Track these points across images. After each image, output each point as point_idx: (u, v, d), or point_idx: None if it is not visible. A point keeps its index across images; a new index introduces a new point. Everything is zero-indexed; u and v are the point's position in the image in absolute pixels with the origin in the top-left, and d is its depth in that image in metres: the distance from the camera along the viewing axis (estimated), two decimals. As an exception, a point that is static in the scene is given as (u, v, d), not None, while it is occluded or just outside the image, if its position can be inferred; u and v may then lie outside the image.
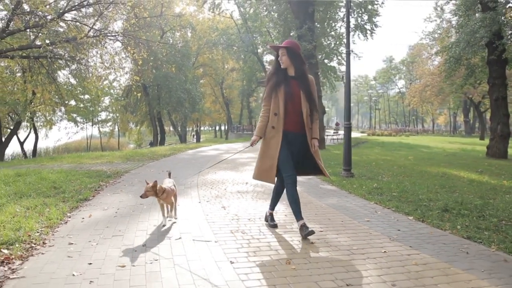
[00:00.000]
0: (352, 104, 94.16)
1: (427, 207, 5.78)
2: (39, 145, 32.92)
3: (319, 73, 28.26)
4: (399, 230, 4.63)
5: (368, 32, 25.37)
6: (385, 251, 3.82)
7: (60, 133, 35.34)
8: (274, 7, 23.02)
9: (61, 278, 3.07)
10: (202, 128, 72.65)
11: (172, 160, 13.06)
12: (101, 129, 41.97)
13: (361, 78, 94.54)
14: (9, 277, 3.07)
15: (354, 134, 49.88)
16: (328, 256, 3.66)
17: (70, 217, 5.02)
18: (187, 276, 3.14)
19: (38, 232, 4.21)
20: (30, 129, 31.49)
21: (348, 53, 9.16)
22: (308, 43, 18.82)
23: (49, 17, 16.66)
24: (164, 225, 4.59)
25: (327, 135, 30.00)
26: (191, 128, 62.16)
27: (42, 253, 3.64)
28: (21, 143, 30.95)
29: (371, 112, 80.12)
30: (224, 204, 5.94)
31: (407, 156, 17.46)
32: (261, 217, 5.10)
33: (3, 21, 18.73)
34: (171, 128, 51.84)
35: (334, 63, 29.91)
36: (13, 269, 3.25)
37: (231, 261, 3.48)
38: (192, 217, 5.07)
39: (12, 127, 29.20)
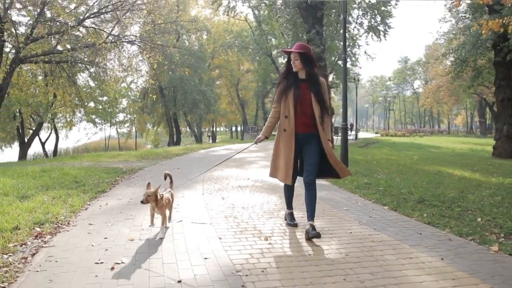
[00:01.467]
0: (367, 105, 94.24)
1: (405, 199, 6.46)
2: (59, 146, 34.27)
3: (331, 75, 28.88)
4: (370, 217, 5.34)
5: (381, 33, 25.76)
6: (350, 232, 4.55)
7: (80, 134, 36.57)
8: (285, 11, 23.67)
9: (83, 247, 3.88)
10: (218, 129, 73.69)
11: (184, 159, 13.91)
12: (119, 130, 43.17)
13: (376, 79, 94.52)
14: (42, 246, 3.90)
15: (367, 135, 50.30)
16: (301, 235, 4.40)
17: (89, 205, 5.86)
18: (182, 247, 3.92)
19: (63, 216, 5.04)
20: (51, 130, 32.81)
21: (344, 59, 9.86)
22: (317, 47, 19.47)
23: (70, 24, 17.68)
24: (162, 238, 4.21)
25: (339, 136, 30.55)
26: (207, 129, 63.13)
27: (67, 231, 4.47)
28: (43, 144, 32.27)
29: (386, 113, 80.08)
30: (224, 195, 6.72)
31: (412, 156, 17.95)
32: (254, 206, 5.86)
33: (26, 27, 19.88)
34: (188, 129, 52.93)
35: (347, 64, 30.09)
36: (45, 241, 4.07)
37: (219, 237, 4.25)
38: (194, 206, 5.85)
39: (34, 128, 30.55)
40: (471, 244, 4.19)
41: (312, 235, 4.16)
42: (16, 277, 3.15)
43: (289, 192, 4.80)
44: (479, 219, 5.18)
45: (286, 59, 4.65)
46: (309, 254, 3.78)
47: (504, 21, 7.63)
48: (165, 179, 4.79)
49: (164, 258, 3.60)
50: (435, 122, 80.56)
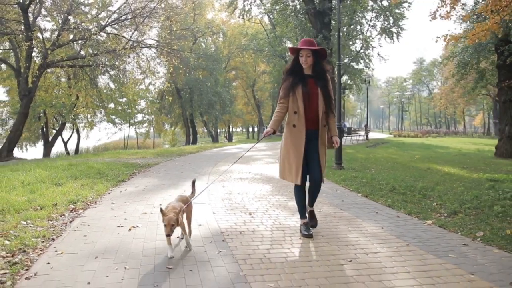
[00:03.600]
0: (382, 106, 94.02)
1: (380, 188, 7.49)
2: (80, 145, 35.99)
3: (344, 76, 29.78)
4: (343, 201, 6.41)
5: (395, 35, 26.49)
6: (320, 210, 5.62)
7: (100, 134, 38.18)
8: (295, 17, 24.69)
9: (108, 217, 5.06)
10: (235, 130, 74.96)
11: (196, 156, 15.11)
12: (137, 130, 44.63)
13: (392, 80, 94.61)
14: (77, 216, 5.09)
15: (379, 135, 50.85)
16: (278, 212, 5.50)
17: (112, 190, 7.08)
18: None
19: (91, 197, 6.25)
20: (73, 130, 34.50)
21: (339, 66, 10.90)
22: (324, 51, 20.47)
23: (92, 31, 19.09)
24: (172, 257, 3.69)
25: (351, 136, 31.43)
26: (224, 130, 64.40)
27: (95, 207, 5.67)
28: (65, 143, 33.98)
29: (400, 114, 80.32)
30: (225, 185, 7.86)
31: (415, 155, 18.74)
32: (248, 192, 6.98)
33: (50, 33, 21.39)
34: (205, 130, 54.29)
35: (361, 66, 30.71)
36: (78, 213, 5.27)
37: (213, 212, 5.40)
38: (197, 191, 6.97)
39: (57, 128, 32.28)
40: (413, 220, 5.24)
41: (304, 235, 4.28)
42: (61, 233, 4.34)
43: (301, 196, 4.54)
44: (434, 204, 6.20)
45: (294, 57, 4.48)
46: (280, 224, 4.89)
47: (461, 35, 8.59)
48: (192, 186, 4.62)
49: (169, 224, 4.75)
50: (451, 123, 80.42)
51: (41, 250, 3.78)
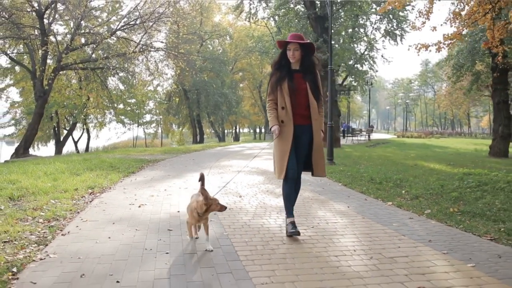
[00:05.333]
0: (388, 107, 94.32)
1: (360, 179, 8.44)
2: (90, 144, 37.24)
3: (349, 78, 30.66)
4: (323, 188, 7.38)
5: (398, 37, 27.31)
6: (300, 195, 6.56)
7: (110, 133, 39.35)
8: (296, 22, 25.63)
9: (121, 198, 6.09)
10: (242, 131, 75.96)
11: (201, 153, 16.14)
12: (145, 130, 45.76)
13: (398, 81, 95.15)
14: (95, 198, 6.12)
15: (382, 136, 51.63)
16: (265, 196, 6.48)
17: (123, 179, 8.12)
18: (183, 199, 6.05)
19: (106, 184, 7.28)
20: (83, 130, 35.70)
21: (331, 70, 11.85)
22: (324, 54, 21.40)
23: (103, 35, 20.17)
24: (211, 250, 3.85)
25: (352, 136, 32.31)
26: (231, 130, 65.41)
27: (110, 191, 6.69)
28: (75, 142, 35.21)
29: (404, 115, 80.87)
30: (223, 176, 8.86)
31: (410, 154, 19.56)
32: (241, 182, 7.96)
33: (62, 36, 22.53)
34: (212, 130, 55.37)
35: (366, 67, 31.50)
36: (96, 196, 6.29)
37: (209, 195, 6.37)
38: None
39: (68, 128, 33.50)
40: (378, 202, 6.19)
41: (291, 233, 4.23)
42: (84, 208, 5.36)
43: (288, 192, 4.55)
44: (403, 191, 7.13)
45: (281, 51, 4.37)
46: (264, 203, 5.88)
47: (429, 44, 9.48)
48: (199, 180, 4.51)
49: (172, 203, 5.77)
50: (457, 124, 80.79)
51: (69, 219, 4.79)
